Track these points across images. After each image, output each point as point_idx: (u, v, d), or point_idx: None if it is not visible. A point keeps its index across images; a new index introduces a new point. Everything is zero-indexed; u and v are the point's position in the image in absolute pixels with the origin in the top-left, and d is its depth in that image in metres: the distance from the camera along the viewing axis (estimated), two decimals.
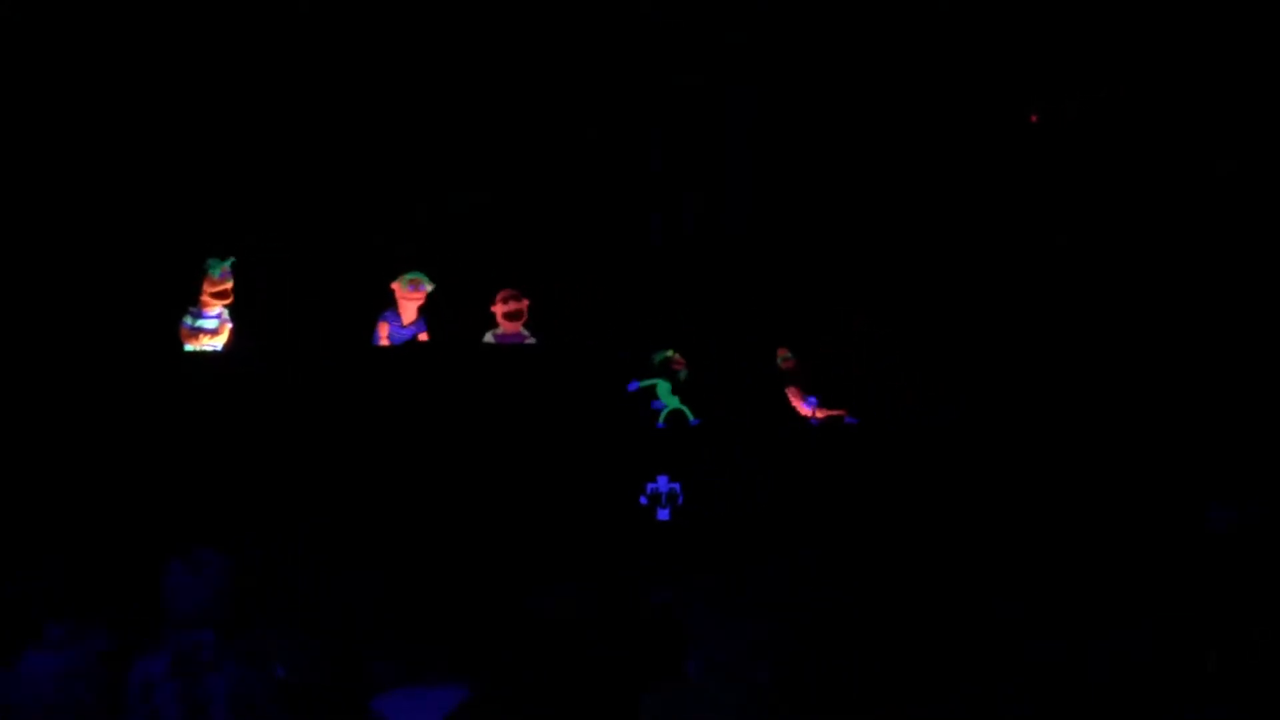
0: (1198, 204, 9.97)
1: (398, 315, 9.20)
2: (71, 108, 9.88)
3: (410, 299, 9.18)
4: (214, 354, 8.82)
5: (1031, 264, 10.25)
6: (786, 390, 9.45)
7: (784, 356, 9.57)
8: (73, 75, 9.88)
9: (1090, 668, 5.25)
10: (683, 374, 8.99)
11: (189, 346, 8.88)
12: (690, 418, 8.89)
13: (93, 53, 9.87)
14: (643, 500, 8.20)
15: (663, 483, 8.26)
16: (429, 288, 9.20)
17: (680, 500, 8.18)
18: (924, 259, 10.43)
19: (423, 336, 9.21)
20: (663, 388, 8.92)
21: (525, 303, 9.26)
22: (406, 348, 9.05)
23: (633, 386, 8.88)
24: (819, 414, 9.28)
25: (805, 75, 10.53)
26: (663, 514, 8.22)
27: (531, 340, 9.26)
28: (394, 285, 9.21)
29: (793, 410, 9.41)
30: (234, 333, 8.95)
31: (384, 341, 9.15)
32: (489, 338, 9.27)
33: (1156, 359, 9.51)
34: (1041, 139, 10.49)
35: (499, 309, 9.27)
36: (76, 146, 9.86)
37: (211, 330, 8.91)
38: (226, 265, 8.91)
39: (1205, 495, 6.95)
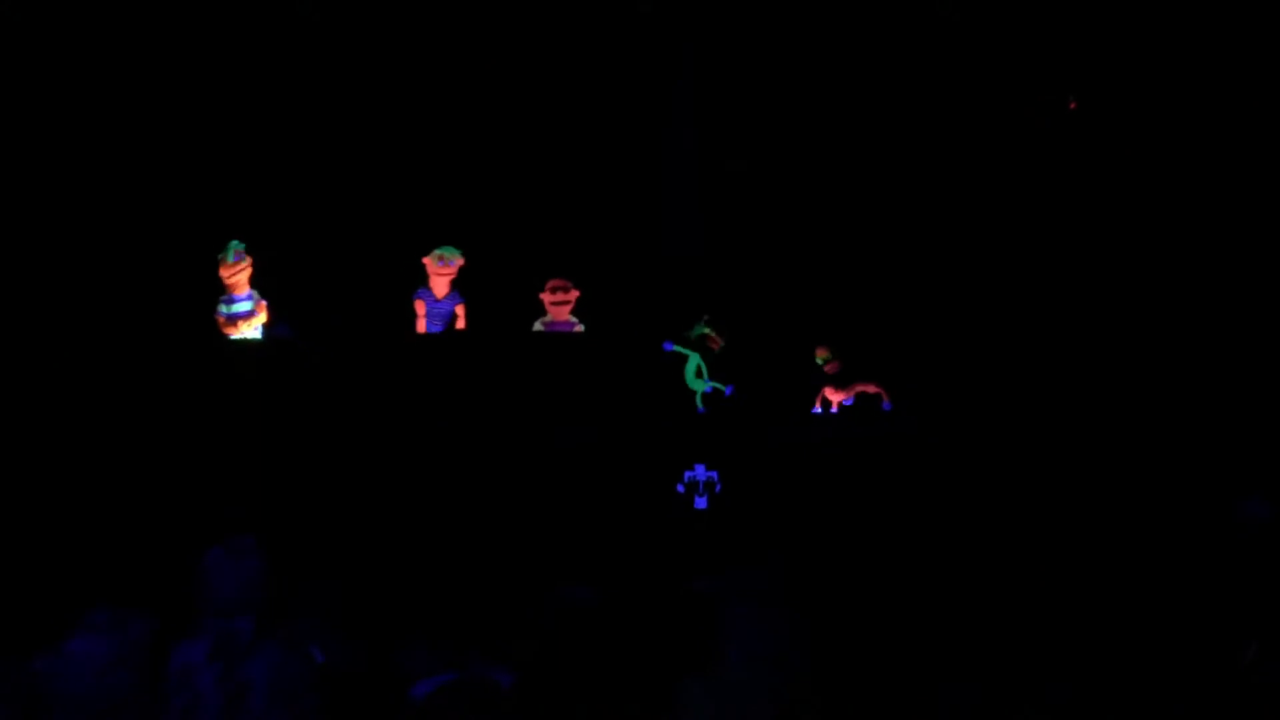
0: (1230, 191, 9.91)
1: (430, 291, 9.25)
2: (88, 104, 9.94)
3: (442, 274, 9.21)
4: (254, 342, 8.87)
5: (1041, 261, 10.21)
6: (824, 390, 9.37)
7: (825, 358, 9.47)
8: (87, 72, 9.94)
9: (1128, 661, 5.24)
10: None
11: (231, 335, 8.92)
12: (724, 390, 8.81)
13: (110, 48, 9.93)
14: (679, 488, 8.20)
15: (700, 471, 8.25)
16: (460, 261, 9.22)
17: (718, 488, 8.18)
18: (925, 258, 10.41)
19: (459, 309, 9.23)
20: (692, 363, 8.84)
21: (575, 294, 9.28)
22: (450, 336, 9.09)
23: (668, 347, 8.79)
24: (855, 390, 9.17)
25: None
26: (700, 502, 8.22)
27: (580, 328, 9.28)
28: (425, 260, 9.24)
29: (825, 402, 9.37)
30: (271, 312, 8.99)
31: (421, 317, 9.21)
32: (538, 326, 9.31)
33: (1185, 353, 9.44)
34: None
35: (547, 297, 9.31)
36: (93, 144, 9.92)
37: (247, 313, 8.95)
38: (240, 247, 8.94)
39: (1236, 489, 6.91)
